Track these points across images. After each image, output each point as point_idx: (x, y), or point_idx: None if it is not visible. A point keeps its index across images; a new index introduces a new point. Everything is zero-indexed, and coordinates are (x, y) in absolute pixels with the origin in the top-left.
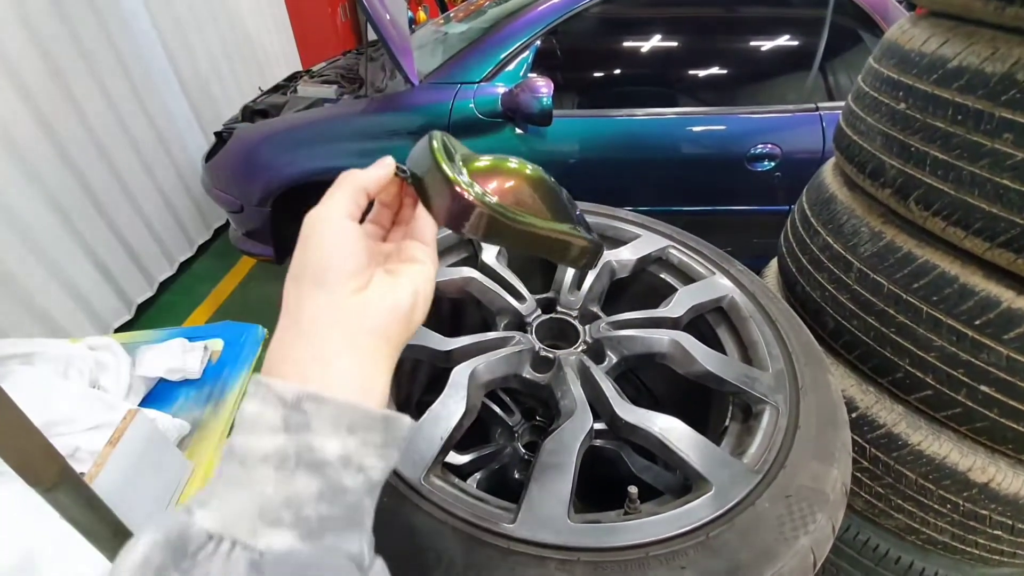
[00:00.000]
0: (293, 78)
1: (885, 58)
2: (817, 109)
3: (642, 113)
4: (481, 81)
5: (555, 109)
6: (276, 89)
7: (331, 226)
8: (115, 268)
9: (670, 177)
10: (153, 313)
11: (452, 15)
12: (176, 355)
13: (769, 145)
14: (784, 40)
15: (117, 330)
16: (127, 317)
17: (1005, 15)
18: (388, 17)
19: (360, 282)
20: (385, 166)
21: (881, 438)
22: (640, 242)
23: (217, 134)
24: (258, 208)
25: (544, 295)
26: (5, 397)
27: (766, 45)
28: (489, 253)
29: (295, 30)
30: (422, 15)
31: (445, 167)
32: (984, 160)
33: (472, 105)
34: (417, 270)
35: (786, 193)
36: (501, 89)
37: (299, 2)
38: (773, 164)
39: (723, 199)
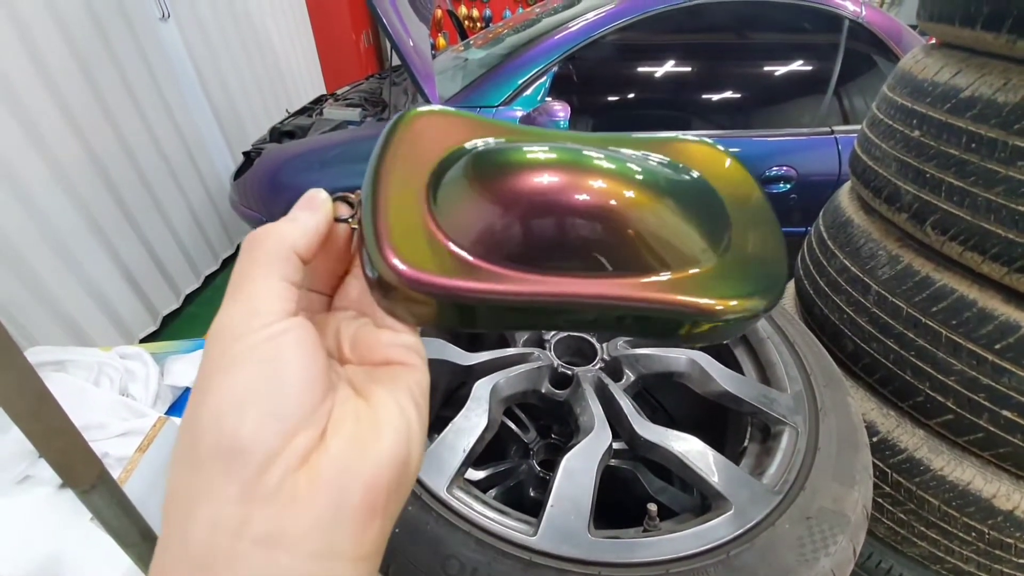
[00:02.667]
0: (319, 101)
1: (899, 87)
2: (832, 132)
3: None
4: (500, 105)
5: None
6: (302, 111)
7: (249, 340)
8: (143, 280)
9: None
10: (178, 324)
11: (472, 42)
12: None
13: (785, 167)
14: (798, 65)
15: (142, 340)
16: (152, 328)
17: (1016, 48)
18: (411, 43)
19: (308, 441)
20: (318, 211)
21: (903, 463)
22: None
23: (245, 154)
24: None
25: None
26: (52, 401)
27: (780, 70)
28: None
29: (321, 55)
30: (442, 41)
31: (376, 209)
32: (999, 187)
33: None
34: (404, 383)
35: (802, 214)
36: (519, 113)
37: (325, 29)
38: (789, 186)
39: None
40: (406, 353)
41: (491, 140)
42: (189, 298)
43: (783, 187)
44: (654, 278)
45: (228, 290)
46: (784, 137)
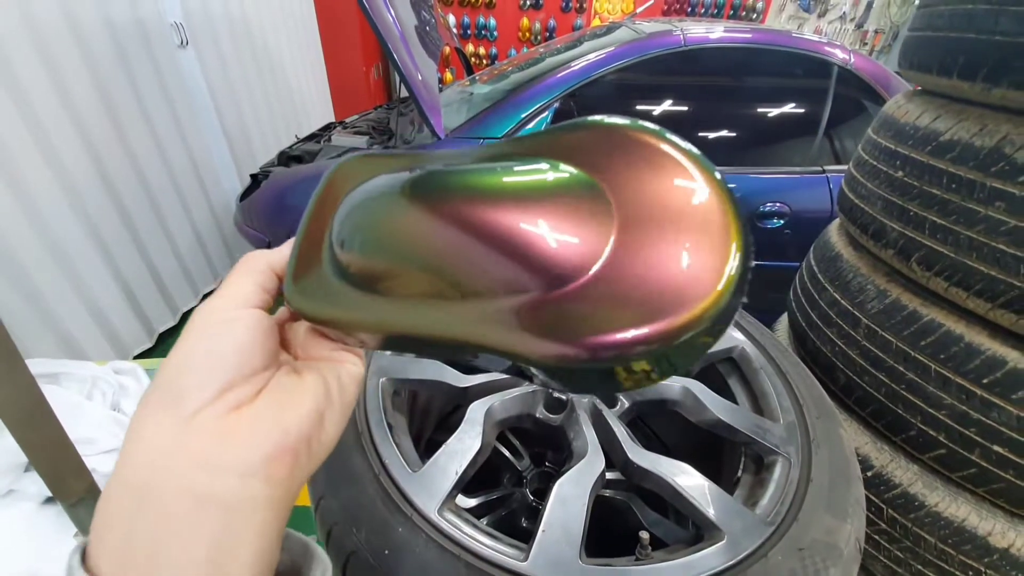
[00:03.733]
0: (327, 128)
1: (883, 129)
2: (824, 172)
3: None
4: (502, 137)
5: None
6: (311, 137)
7: (213, 321)
8: (141, 295)
9: None
10: (173, 342)
11: (478, 77)
12: None
13: (778, 204)
14: (790, 108)
15: (136, 356)
16: (147, 344)
17: (991, 96)
18: (420, 77)
19: (243, 395)
20: (292, 244)
21: (898, 498)
22: None
23: (253, 176)
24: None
25: None
26: (49, 412)
27: (773, 112)
28: None
29: (331, 85)
30: (449, 76)
31: (294, 255)
32: (980, 225)
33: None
34: (331, 370)
35: (795, 249)
36: None
37: (337, 61)
38: (782, 222)
39: None
40: (339, 355)
41: (379, 176)
42: (186, 315)
43: (777, 223)
44: (503, 304)
45: (221, 285)
46: (777, 175)
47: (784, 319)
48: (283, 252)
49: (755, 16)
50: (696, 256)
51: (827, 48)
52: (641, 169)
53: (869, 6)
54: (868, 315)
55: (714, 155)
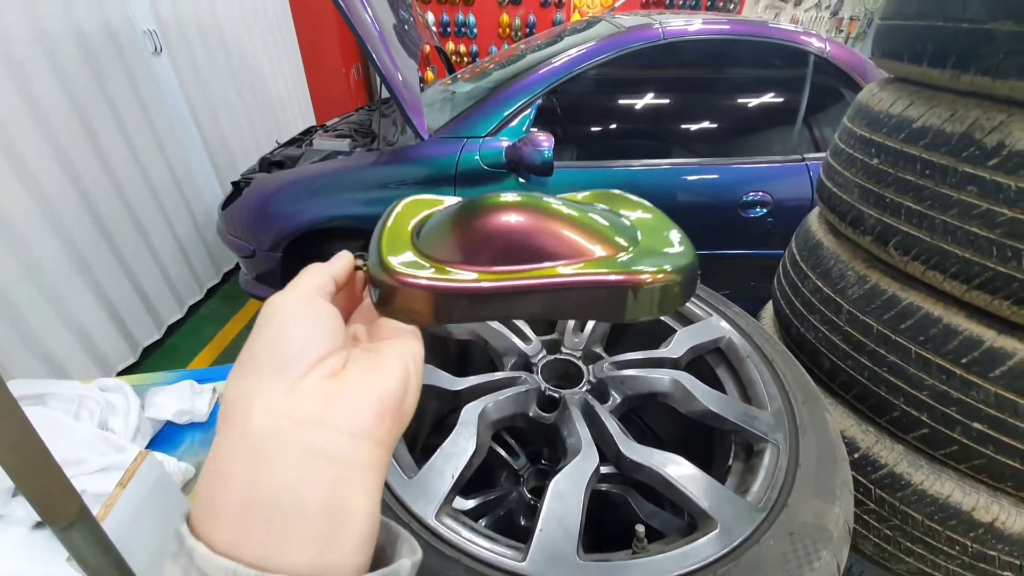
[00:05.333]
0: (309, 132)
1: (857, 118)
2: (804, 160)
3: (638, 164)
4: (486, 136)
5: (556, 161)
6: (292, 142)
7: (298, 304)
8: (125, 310)
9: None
10: (158, 356)
11: (459, 76)
12: (185, 398)
13: (760, 193)
14: (769, 97)
15: (120, 372)
16: (131, 360)
17: (960, 82)
18: (401, 78)
19: (335, 364)
20: (344, 257)
21: (885, 478)
22: None
23: (234, 183)
24: (270, 253)
25: (549, 336)
26: (34, 435)
27: (753, 102)
28: None
29: (311, 88)
30: (430, 75)
31: (379, 247)
32: (953, 209)
33: (477, 157)
34: (404, 345)
35: (778, 237)
36: (505, 143)
37: (316, 62)
38: (765, 211)
39: (719, 244)
40: (405, 332)
41: (453, 204)
42: (171, 328)
43: (760, 211)
44: (575, 265)
45: (287, 286)
46: (758, 164)
47: (769, 307)
48: (338, 263)
49: (732, 7)
50: (679, 244)
51: (803, 37)
52: (627, 207)
53: None
54: (849, 301)
55: (696, 146)
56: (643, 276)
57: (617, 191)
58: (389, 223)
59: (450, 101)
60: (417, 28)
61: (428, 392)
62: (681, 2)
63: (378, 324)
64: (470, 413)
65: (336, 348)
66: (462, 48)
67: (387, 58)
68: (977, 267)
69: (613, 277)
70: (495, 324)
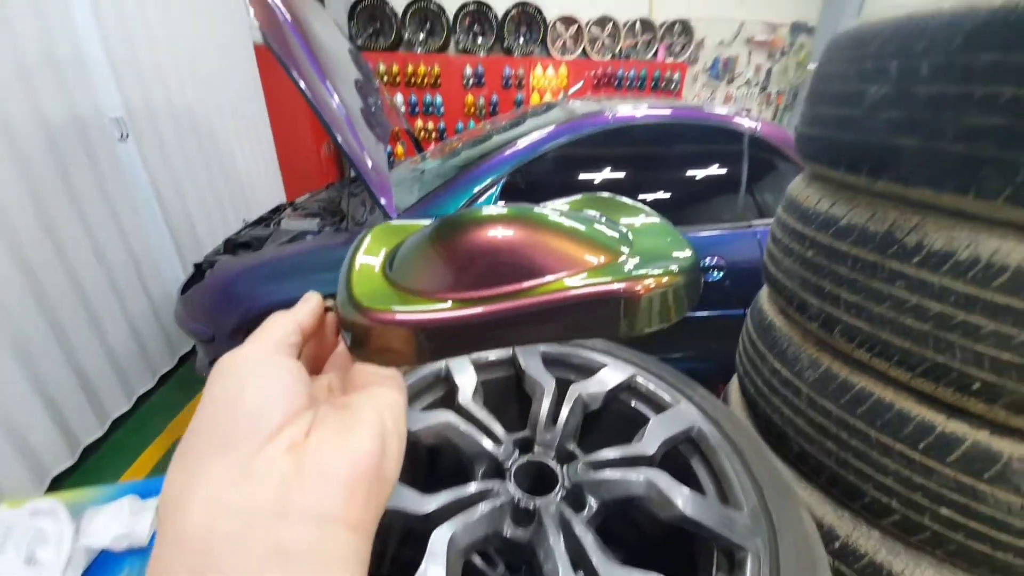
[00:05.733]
0: (277, 210)
1: (789, 211)
2: (751, 227)
3: None
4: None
5: None
6: (260, 221)
7: (253, 363)
8: (66, 406)
9: None
10: (100, 455)
11: (427, 155)
12: (124, 519)
13: (716, 258)
14: (715, 170)
15: (57, 477)
16: (69, 462)
17: (876, 186)
18: (369, 162)
19: (296, 433)
20: (312, 300)
21: (867, 569)
22: (608, 371)
23: (197, 266)
24: (231, 338)
25: (521, 434)
26: None
27: (700, 175)
28: (465, 392)
29: (281, 164)
30: (400, 149)
31: (348, 283)
32: (887, 302)
33: None
34: (381, 396)
35: (736, 299)
36: None
37: (287, 139)
38: (722, 274)
39: None
40: (383, 378)
41: (426, 229)
42: (117, 422)
43: (717, 275)
44: (565, 275)
45: (248, 339)
46: (711, 232)
47: (735, 382)
48: (306, 308)
49: (673, 86)
50: (675, 245)
51: (735, 120)
52: (618, 210)
53: (768, 72)
54: (807, 384)
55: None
56: (647, 281)
57: (606, 194)
58: (358, 256)
59: (419, 180)
60: (385, 112)
61: (395, 517)
62: (628, 82)
63: (354, 371)
64: (439, 543)
65: (298, 411)
66: (430, 125)
67: (354, 142)
68: (917, 357)
69: (616, 286)
70: (465, 425)
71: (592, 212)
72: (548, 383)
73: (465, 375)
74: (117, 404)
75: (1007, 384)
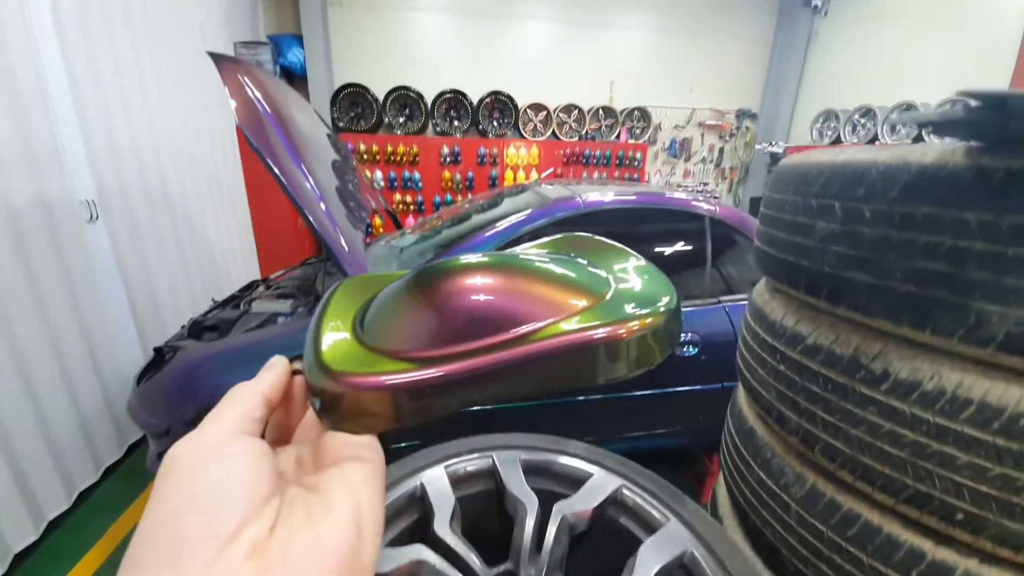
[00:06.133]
0: (250, 287)
1: (756, 320)
2: (720, 302)
3: None
4: None
5: None
6: (230, 300)
7: (207, 452)
8: None
9: None
10: (33, 563)
11: (406, 232)
12: None
13: (690, 334)
14: (680, 251)
15: None
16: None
17: (837, 311)
18: (344, 245)
19: (258, 532)
20: (278, 366)
21: None
22: (594, 485)
23: (157, 350)
24: (187, 428)
25: (503, 567)
26: None
27: (667, 253)
28: (441, 517)
29: (257, 239)
30: (378, 221)
31: (315, 345)
32: (862, 426)
33: None
34: (355, 473)
35: (712, 374)
36: None
37: (263, 214)
38: (696, 349)
39: (665, 383)
40: (358, 449)
41: (396, 282)
42: (54, 523)
43: (692, 351)
44: (548, 322)
45: (206, 419)
46: (685, 309)
47: (723, 486)
48: (271, 376)
49: (636, 163)
50: (656, 286)
51: (694, 203)
52: (598, 252)
53: (721, 151)
54: (795, 500)
55: None
56: (632, 324)
57: (581, 234)
58: (326, 314)
59: (397, 258)
60: (362, 191)
61: None
62: (595, 160)
63: (325, 440)
64: None
65: (262, 501)
66: (408, 199)
67: (327, 220)
68: (898, 483)
69: (600, 331)
70: (440, 563)
71: (572, 254)
72: (531, 502)
73: (441, 495)
74: (55, 502)
75: (989, 516)
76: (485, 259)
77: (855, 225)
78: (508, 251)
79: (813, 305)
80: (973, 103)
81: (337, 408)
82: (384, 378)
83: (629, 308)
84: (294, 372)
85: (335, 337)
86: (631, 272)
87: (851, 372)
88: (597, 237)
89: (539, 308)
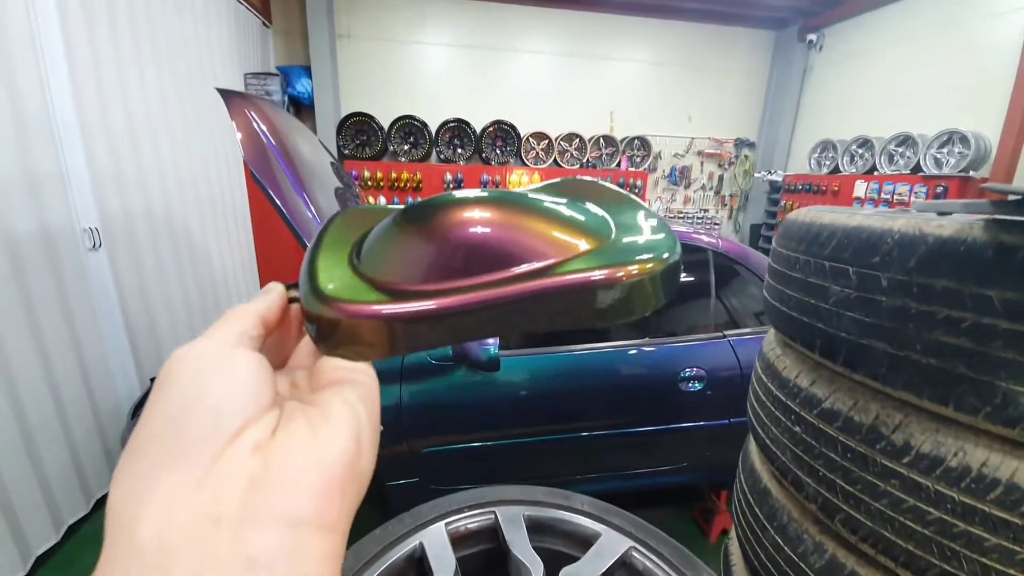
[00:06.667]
0: None
1: (768, 376)
2: (724, 336)
3: (581, 348)
4: None
5: (504, 349)
6: None
7: (210, 358)
8: None
9: (616, 398)
10: None
11: None
12: None
13: (695, 368)
14: (685, 278)
15: None
16: None
17: (855, 376)
18: None
19: (260, 434)
20: (274, 291)
21: None
22: (602, 547)
23: (153, 380)
24: None
25: None
26: None
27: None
28: None
29: (260, 263)
30: None
31: (312, 273)
32: (883, 500)
33: (425, 353)
34: (351, 391)
35: (719, 410)
36: None
37: (267, 239)
38: (703, 384)
39: (668, 418)
40: (354, 373)
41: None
42: (40, 560)
43: (698, 386)
44: (546, 263)
45: (204, 333)
46: (689, 343)
47: (736, 546)
48: (267, 300)
49: (636, 190)
50: (658, 232)
51: (695, 236)
52: (601, 195)
53: (721, 179)
54: (813, 570)
55: (630, 332)
56: (631, 267)
57: (587, 178)
58: (323, 243)
59: None
60: None
61: None
62: None
63: (320, 366)
64: None
65: (263, 408)
66: None
67: None
68: (924, 561)
69: (598, 273)
70: None
71: (566, 197)
72: (535, 566)
73: (441, 557)
74: (43, 535)
75: None
76: (485, 194)
77: (871, 292)
78: (508, 190)
79: (828, 367)
80: (1012, 197)
81: (333, 335)
82: (379, 308)
83: (629, 253)
84: (290, 300)
85: (332, 266)
86: (635, 219)
87: (871, 442)
88: (603, 182)
89: (538, 247)
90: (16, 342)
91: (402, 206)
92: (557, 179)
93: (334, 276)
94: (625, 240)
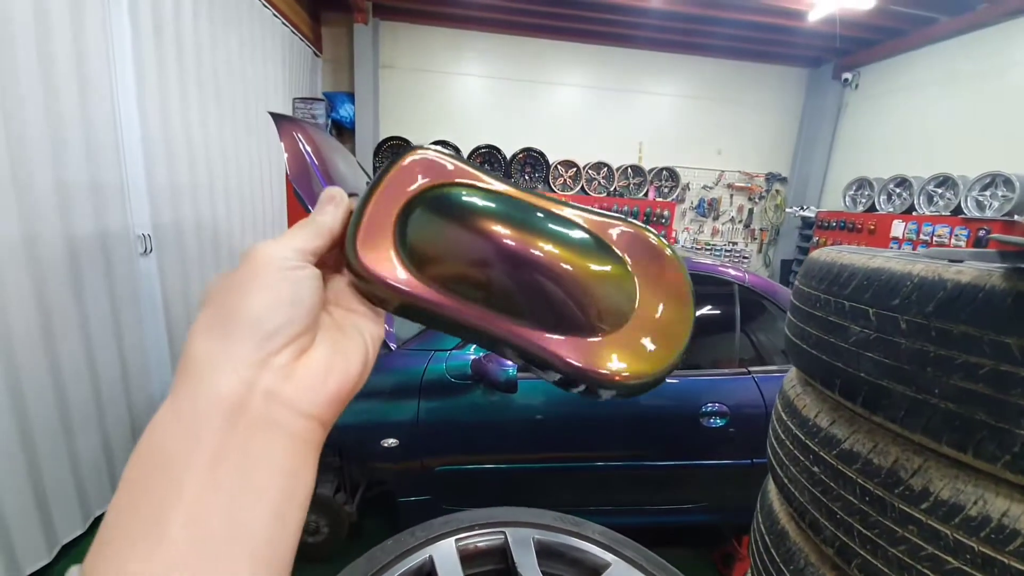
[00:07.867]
0: None
1: (788, 413)
2: (749, 373)
3: None
4: (454, 348)
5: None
6: None
7: (285, 271)
8: (15, 524)
9: (634, 430)
10: None
11: None
12: None
13: (718, 404)
14: (708, 310)
15: None
16: None
17: (874, 418)
18: None
19: (305, 343)
20: (341, 203)
21: None
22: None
23: None
24: None
25: None
26: None
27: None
28: None
29: None
30: None
31: (357, 225)
32: (902, 545)
33: (444, 368)
34: (367, 329)
35: (741, 449)
36: (472, 356)
37: None
38: (725, 421)
39: (691, 455)
40: (368, 312)
41: (459, 188)
42: (65, 549)
43: (720, 422)
44: (556, 336)
45: (282, 236)
46: (712, 376)
47: None
48: (336, 215)
49: (664, 220)
50: (677, 328)
51: (721, 269)
52: (646, 256)
53: (751, 212)
54: None
55: None
56: (624, 373)
57: (640, 224)
58: (376, 193)
59: None
60: None
61: None
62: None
63: (346, 293)
64: None
65: (311, 324)
66: None
67: None
68: None
69: (593, 370)
70: None
71: (621, 253)
72: None
73: (451, 573)
74: (70, 526)
75: None
76: (563, 230)
77: (890, 334)
78: (577, 213)
79: (848, 407)
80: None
81: (358, 280)
82: (393, 281)
83: (628, 352)
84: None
85: (376, 224)
86: (663, 300)
87: (890, 486)
88: (662, 241)
89: (556, 319)
90: (65, 335)
91: (494, 183)
92: (625, 219)
93: (375, 237)
94: (636, 331)
